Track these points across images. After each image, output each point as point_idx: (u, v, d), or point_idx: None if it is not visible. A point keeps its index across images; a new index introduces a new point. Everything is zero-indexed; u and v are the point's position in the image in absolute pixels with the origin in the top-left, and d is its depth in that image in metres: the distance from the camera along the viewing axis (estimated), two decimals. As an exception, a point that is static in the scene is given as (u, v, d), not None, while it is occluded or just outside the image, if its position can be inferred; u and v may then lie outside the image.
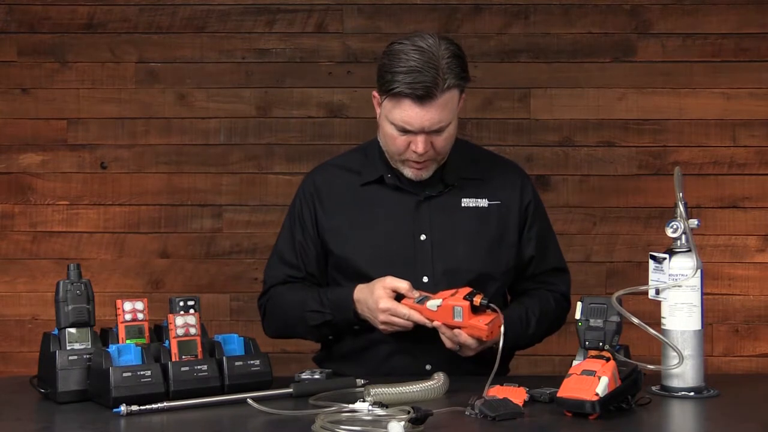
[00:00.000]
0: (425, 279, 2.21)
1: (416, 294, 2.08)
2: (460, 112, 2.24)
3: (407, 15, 3.42)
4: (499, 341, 1.98)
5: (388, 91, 2.15)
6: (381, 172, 2.29)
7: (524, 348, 2.34)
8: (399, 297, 2.10)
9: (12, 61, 3.47)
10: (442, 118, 2.15)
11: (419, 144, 2.15)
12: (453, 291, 2.05)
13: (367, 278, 2.19)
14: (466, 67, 2.18)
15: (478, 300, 2.00)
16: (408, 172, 2.24)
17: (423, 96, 2.11)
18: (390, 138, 2.20)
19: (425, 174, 2.24)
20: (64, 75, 3.47)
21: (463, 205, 2.27)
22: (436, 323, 2.05)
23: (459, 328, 2.02)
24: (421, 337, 2.10)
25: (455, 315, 2.01)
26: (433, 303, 2.04)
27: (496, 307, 2.01)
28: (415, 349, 2.17)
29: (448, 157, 2.27)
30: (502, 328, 1.98)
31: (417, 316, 2.06)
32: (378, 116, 2.25)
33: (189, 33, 3.47)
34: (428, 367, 2.15)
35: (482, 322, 2.00)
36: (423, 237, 2.24)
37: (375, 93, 2.25)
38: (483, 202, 2.28)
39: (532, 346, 2.35)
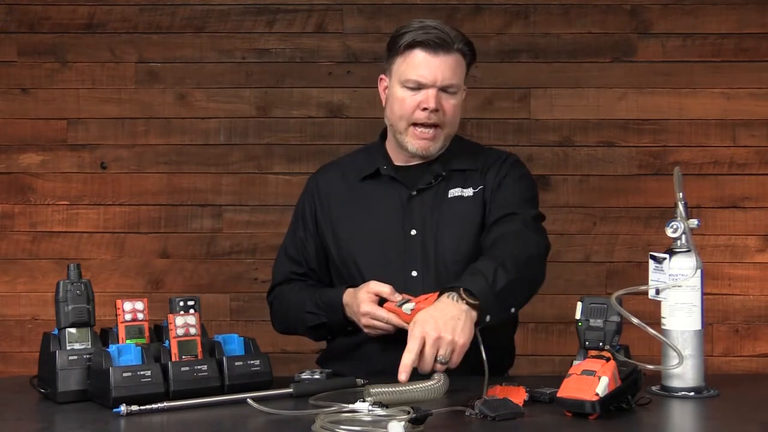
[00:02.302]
0: (414, 273, 2.23)
1: (398, 297, 2.09)
2: (460, 112, 2.25)
3: (407, 15, 3.42)
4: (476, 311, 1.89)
5: (399, 47, 2.22)
6: (378, 165, 2.31)
7: (517, 305, 2.08)
8: (385, 300, 2.11)
9: (12, 61, 3.47)
10: (453, 77, 2.21)
11: (430, 99, 2.19)
12: (429, 295, 2.04)
13: (361, 275, 2.22)
14: (474, 48, 2.28)
15: None
16: (412, 145, 2.24)
17: (436, 45, 2.19)
18: (399, 101, 2.23)
19: (432, 147, 2.24)
20: (64, 75, 3.47)
21: (449, 196, 2.28)
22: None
23: None
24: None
25: None
26: (407, 306, 2.04)
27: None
28: (405, 345, 2.16)
29: (445, 148, 2.28)
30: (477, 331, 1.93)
31: (395, 320, 2.08)
32: (384, 100, 2.30)
33: (189, 33, 3.47)
34: None
35: None
36: (413, 232, 2.25)
37: (382, 76, 2.31)
38: (468, 192, 2.28)
39: (525, 296, 2.10)
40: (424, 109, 2.20)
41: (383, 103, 2.32)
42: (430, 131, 2.23)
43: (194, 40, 3.47)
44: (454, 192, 2.27)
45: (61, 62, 3.47)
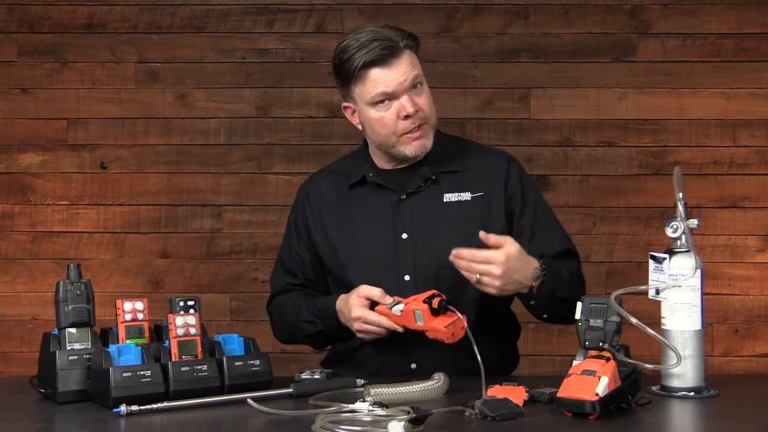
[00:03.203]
0: (407, 277, 2.22)
1: (389, 300, 2.08)
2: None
3: (407, 15, 3.42)
4: (535, 287, 2.09)
5: (352, 75, 2.18)
6: (364, 172, 2.31)
7: (557, 312, 2.18)
8: (376, 303, 2.11)
9: (12, 61, 3.47)
10: (414, 72, 2.18)
11: (407, 105, 2.17)
12: (419, 295, 2.04)
13: (354, 281, 2.21)
14: (415, 35, 2.24)
15: (436, 302, 1.98)
16: (410, 150, 2.22)
17: (386, 55, 2.16)
18: (378, 122, 2.20)
19: (427, 143, 2.23)
20: (64, 75, 3.47)
21: (445, 200, 2.26)
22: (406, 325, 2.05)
23: (422, 331, 2.02)
24: (406, 337, 2.10)
25: (417, 319, 2.01)
26: (397, 308, 2.04)
27: (455, 309, 1.98)
28: (400, 348, 2.17)
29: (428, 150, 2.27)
30: (467, 328, 1.96)
31: (386, 323, 2.07)
32: (359, 123, 2.28)
33: (189, 33, 3.47)
34: (413, 365, 2.17)
35: (442, 324, 1.98)
36: (404, 236, 2.24)
37: (344, 104, 2.29)
38: (466, 196, 2.26)
39: (564, 312, 2.08)
40: (406, 117, 2.18)
41: (359, 128, 2.29)
42: (418, 131, 2.21)
43: (194, 40, 3.47)
44: (451, 197, 2.26)
45: (61, 62, 3.47)
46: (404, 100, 2.17)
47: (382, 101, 2.18)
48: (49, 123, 3.47)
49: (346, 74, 2.20)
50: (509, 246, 2.04)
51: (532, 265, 2.09)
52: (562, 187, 3.43)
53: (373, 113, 2.20)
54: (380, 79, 2.16)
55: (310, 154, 3.41)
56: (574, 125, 3.44)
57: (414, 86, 2.19)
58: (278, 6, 3.47)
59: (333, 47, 3.39)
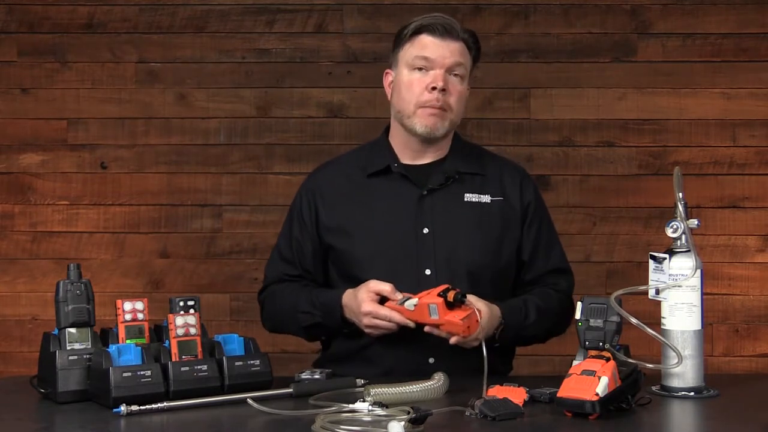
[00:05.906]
0: (428, 271, 2.22)
1: (399, 296, 2.08)
2: (465, 106, 2.27)
3: (407, 15, 3.37)
4: (497, 333, 2.12)
5: (405, 36, 2.27)
6: (388, 162, 2.31)
7: (527, 343, 2.33)
8: (385, 299, 2.11)
9: (12, 61, 3.47)
10: (460, 60, 2.25)
11: (438, 78, 2.22)
12: (430, 290, 2.05)
13: (372, 273, 2.18)
14: (479, 45, 2.32)
15: (451, 296, 1.99)
16: (421, 123, 2.25)
17: (444, 30, 2.24)
18: (407, 85, 2.25)
19: (440, 126, 2.25)
20: (64, 75, 3.47)
21: (465, 199, 2.29)
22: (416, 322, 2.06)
23: (437, 325, 2.02)
24: (417, 334, 2.10)
25: (431, 313, 2.01)
26: (410, 303, 2.04)
27: (470, 303, 2.00)
28: (416, 342, 2.16)
29: (450, 149, 2.31)
30: (481, 320, 2.00)
31: (398, 318, 2.07)
32: (389, 95, 2.32)
33: (189, 33, 3.47)
34: (431, 360, 2.17)
35: (458, 317, 1.99)
36: (426, 230, 2.25)
37: (387, 70, 2.35)
38: (486, 198, 2.29)
39: (536, 341, 2.33)
40: (433, 89, 2.21)
41: (389, 98, 2.33)
42: (437, 110, 2.24)
43: (194, 40, 3.47)
44: (471, 197, 2.29)
45: (61, 62, 3.47)
46: (439, 73, 2.22)
47: (420, 68, 2.24)
48: (49, 123, 3.47)
49: (401, 35, 2.29)
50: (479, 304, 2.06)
51: (494, 326, 2.14)
52: (562, 187, 3.43)
53: (407, 76, 2.26)
54: (428, 44, 2.24)
55: (310, 154, 3.41)
56: (574, 125, 3.44)
57: (453, 73, 2.24)
58: (278, 6, 3.47)
59: (333, 47, 3.46)
